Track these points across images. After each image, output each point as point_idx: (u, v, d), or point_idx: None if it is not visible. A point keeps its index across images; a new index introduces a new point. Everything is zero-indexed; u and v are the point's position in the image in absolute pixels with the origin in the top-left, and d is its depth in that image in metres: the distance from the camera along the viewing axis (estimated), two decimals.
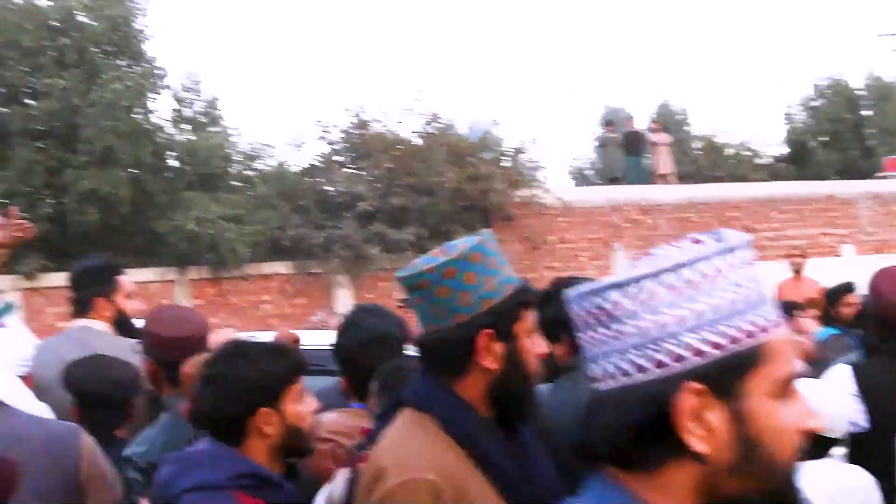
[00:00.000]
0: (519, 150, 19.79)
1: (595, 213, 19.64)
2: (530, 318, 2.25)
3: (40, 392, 3.81)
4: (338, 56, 58.74)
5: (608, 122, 23.63)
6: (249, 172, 19.37)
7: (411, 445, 2.13)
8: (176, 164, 18.25)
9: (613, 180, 22.45)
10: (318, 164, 18.99)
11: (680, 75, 57.29)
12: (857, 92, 29.90)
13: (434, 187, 17.65)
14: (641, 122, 24.57)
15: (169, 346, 3.54)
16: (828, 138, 28.72)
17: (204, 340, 3.64)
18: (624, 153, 22.82)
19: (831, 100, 29.29)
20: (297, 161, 19.30)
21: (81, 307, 4.36)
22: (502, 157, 19.74)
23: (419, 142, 19.03)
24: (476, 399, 2.19)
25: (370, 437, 2.32)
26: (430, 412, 2.18)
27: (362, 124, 19.17)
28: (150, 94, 18.27)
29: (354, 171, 18.72)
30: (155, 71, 18.85)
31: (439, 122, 19.49)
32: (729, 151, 27.20)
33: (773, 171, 27.08)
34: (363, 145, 18.83)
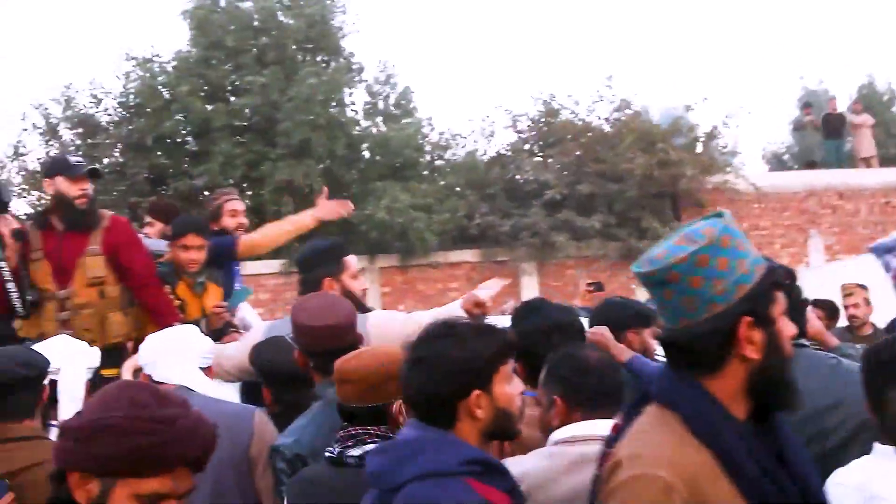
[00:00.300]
0: (711, 136, 19.43)
1: (790, 199, 19.12)
2: (782, 298, 2.13)
3: None
4: (527, 44, 58.71)
5: (806, 105, 22.88)
6: (440, 162, 19.75)
7: (651, 441, 2.05)
8: (368, 155, 18.77)
9: (811, 165, 21.73)
10: (507, 153, 19.21)
11: (886, 51, 54.50)
12: None
13: (623, 174, 17.56)
14: (842, 104, 23.69)
15: (316, 334, 3.56)
16: None
17: (352, 328, 3.65)
18: (823, 136, 22.05)
19: None
20: (487, 150, 19.58)
21: (309, 287, 4.41)
22: (694, 143, 19.44)
23: (608, 129, 18.97)
24: (730, 394, 2.08)
25: (618, 432, 2.21)
26: (676, 409, 2.08)
27: (551, 112, 19.27)
28: (345, 89, 18.90)
29: (542, 159, 18.84)
30: (351, 66, 19.49)
31: (629, 109, 19.36)
32: None
33: None
34: (552, 133, 18.94)
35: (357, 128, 18.80)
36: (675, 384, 2.12)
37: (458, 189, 18.24)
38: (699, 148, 19.43)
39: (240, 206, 6.42)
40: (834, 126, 21.81)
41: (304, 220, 6.29)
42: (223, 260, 6.08)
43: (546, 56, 54.52)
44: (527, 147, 19.34)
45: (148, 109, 17.86)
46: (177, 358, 3.77)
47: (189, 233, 5.61)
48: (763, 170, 27.54)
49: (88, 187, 5.33)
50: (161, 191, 17.45)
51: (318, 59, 19.26)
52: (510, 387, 2.61)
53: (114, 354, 5.04)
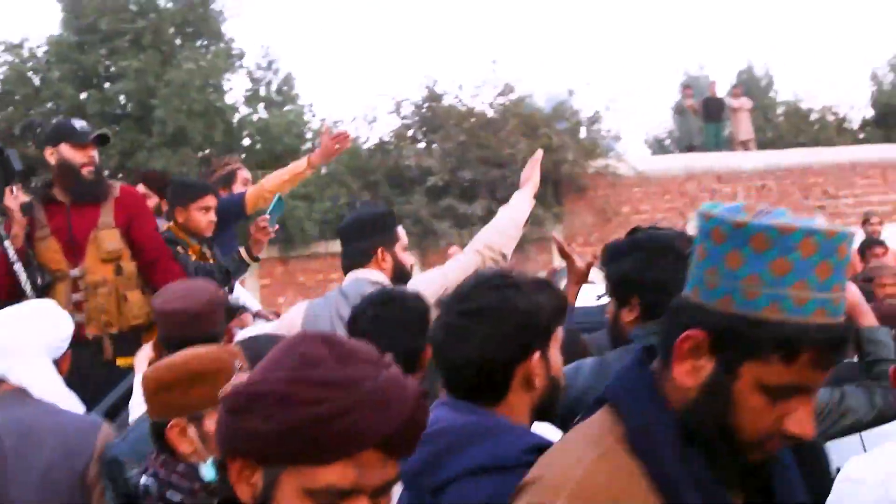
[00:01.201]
0: (593, 120, 19.61)
1: (671, 183, 19.39)
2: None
3: None
4: (411, 29, 58.67)
5: (686, 87, 23.25)
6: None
7: (566, 458, 1.61)
8: (248, 142, 18.46)
9: (690, 148, 22.11)
10: (390, 140, 19.08)
11: (764, 38, 55.93)
12: None
13: (506, 160, 17.58)
14: (723, 89, 24.13)
15: (169, 320, 3.35)
16: None
17: (210, 317, 3.39)
18: (702, 120, 22.45)
19: None
20: (369, 137, 19.41)
21: (359, 259, 4.00)
22: (577, 128, 19.59)
23: (492, 114, 18.97)
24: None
25: None
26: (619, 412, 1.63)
27: (434, 98, 19.18)
28: (225, 74, 18.53)
29: (426, 145, 18.76)
30: (231, 51, 19.12)
31: (513, 94, 19.40)
32: (813, 116, 26.61)
33: (859, 135, 26.43)
34: (435, 119, 18.84)
35: (237, 115, 18.44)
36: (628, 382, 1.67)
37: (340, 177, 18.03)
38: (583, 133, 19.61)
39: (249, 174, 6.37)
40: (713, 110, 22.23)
41: (300, 165, 6.06)
42: (233, 219, 5.83)
43: (430, 41, 54.58)
44: (410, 133, 19.22)
45: (17, 97, 17.25)
46: (18, 346, 3.22)
47: (209, 193, 5.30)
48: (645, 154, 27.94)
49: (95, 154, 4.91)
50: (29, 182, 16.88)
51: (198, 43, 18.83)
52: (557, 353, 2.21)
53: (131, 339, 4.66)
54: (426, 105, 19.13)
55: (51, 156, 4.88)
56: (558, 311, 2.18)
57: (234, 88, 18.99)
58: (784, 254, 1.47)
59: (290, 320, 4.01)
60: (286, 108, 18.97)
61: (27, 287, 4.59)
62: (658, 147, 30.04)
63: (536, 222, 15.78)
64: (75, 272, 4.73)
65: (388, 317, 3.01)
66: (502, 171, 17.52)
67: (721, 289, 1.51)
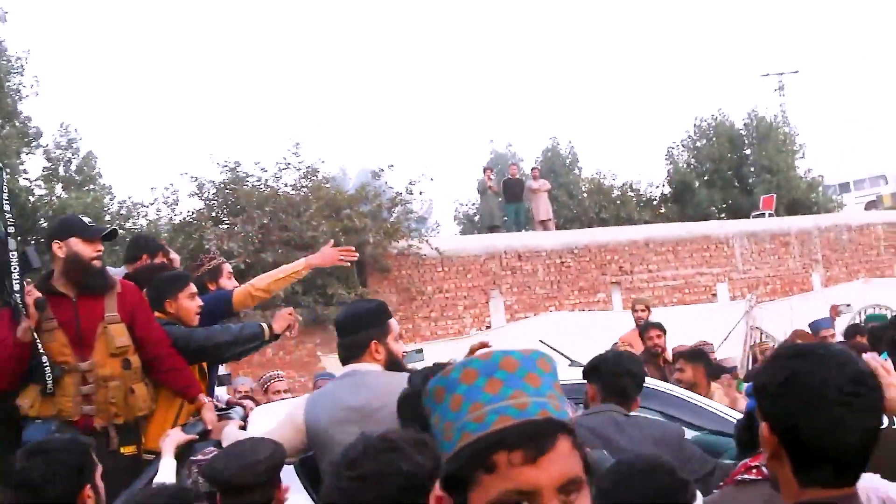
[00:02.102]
0: (395, 202, 19.95)
1: (473, 262, 19.85)
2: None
3: (315, 436, 4.00)
4: (214, 111, 58.64)
5: (487, 169, 23.92)
6: (121, 231, 19.21)
7: None
8: (45, 224, 18.02)
9: (493, 228, 22.71)
10: (192, 220, 18.94)
11: (568, 117, 58.22)
12: (738, 131, 30.64)
13: (308, 242, 17.68)
14: (528, 166, 24.90)
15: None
16: (709, 177, 29.42)
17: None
18: (504, 200, 23.11)
19: (713, 139, 30.01)
20: (172, 218, 19.23)
21: (355, 350, 4.18)
22: (381, 208, 19.88)
23: (295, 196, 19.09)
24: None
25: None
26: None
27: (237, 179, 19.20)
28: (22, 154, 18.12)
29: (229, 226, 18.70)
30: (28, 130, 18.72)
31: (316, 176, 19.60)
32: (615, 193, 27.74)
33: (658, 210, 27.70)
34: (238, 201, 18.84)
35: (31, 196, 18.01)
36: None
37: None
38: (388, 214, 19.92)
39: (231, 268, 6.34)
40: (513, 190, 22.93)
41: (297, 266, 6.04)
42: (219, 316, 5.71)
43: (233, 123, 54.52)
44: (212, 214, 19.14)
45: None
46: None
47: (191, 280, 5.40)
48: (455, 231, 28.54)
49: (102, 249, 4.98)
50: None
51: None
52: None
53: (133, 429, 4.86)
54: (228, 187, 19.12)
55: (59, 249, 4.92)
56: (438, 466, 2.19)
57: (27, 171, 18.46)
58: (453, 390, 1.60)
59: (295, 413, 4.18)
60: (86, 188, 18.64)
61: (49, 379, 4.69)
62: (468, 223, 30.70)
63: (341, 303, 15.93)
64: (84, 365, 4.80)
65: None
66: (305, 253, 17.55)
67: (442, 444, 1.63)
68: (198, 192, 19.06)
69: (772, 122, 31.24)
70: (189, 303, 5.32)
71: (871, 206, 36.97)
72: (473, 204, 30.40)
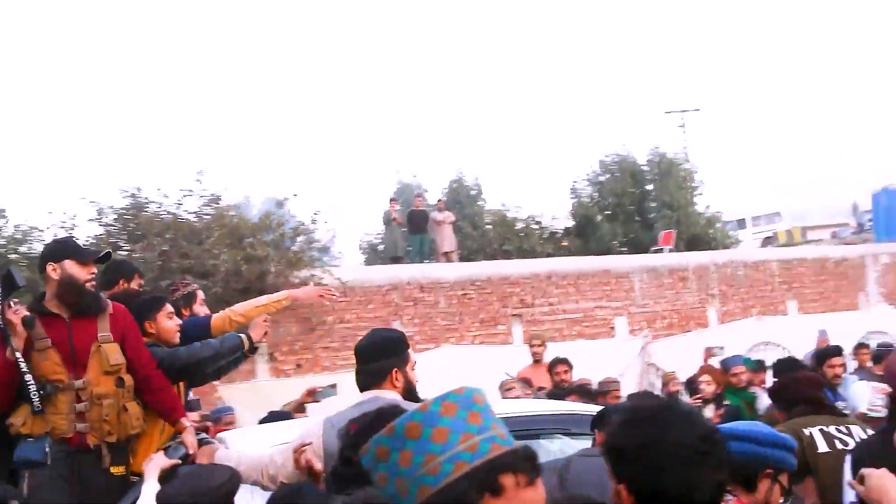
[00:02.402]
0: (299, 231, 19.90)
1: (375, 293, 19.87)
2: None
3: (329, 460, 3.93)
4: (115, 135, 57.95)
5: (392, 200, 24.02)
6: (14, 256, 18.80)
7: None
8: None
9: (396, 259, 22.78)
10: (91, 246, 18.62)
11: (475, 148, 58.88)
12: (641, 167, 31.21)
13: (209, 270, 17.54)
14: (434, 196, 25.05)
15: None
16: (611, 211, 29.90)
17: None
18: (408, 231, 23.22)
19: (616, 174, 30.52)
20: None
21: (376, 377, 4.30)
22: (284, 237, 19.80)
23: (197, 223, 18.92)
24: None
25: None
26: None
27: (138, 205, 18.97)
28: None
29: (128, 253, 18.44)
30: None
31: (219, 204, 19.45)
32: (519, 225, 28.01)
33: (561, 244, 28.04)
34: (138, 227, 18.60)
35: None
36: None
37: (35, 286, 17.37)
38: (295, 243, 19.85)
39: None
40: (418, 222, 23.06)
41: (279, 296, 6.37)
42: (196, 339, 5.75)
43: (135, 148, 53.89)
44: (112, 241, 18.85)
45: None
46: None
47: (167, 302, 5.56)
48: (360, 260, 28.52)
49: (95, 271, 5.08)
50: None
51: None
52: None
53: (124, 448, 4.99)
54: (129, 212, 18.87)
55: (53, 271, 5.03)
56: None
57: None
58: (436, 423, 1.68)
59: (307, 434, 4.24)
60: None
61: (35, 397, 4.78)
62: (372, 253, 30.73)
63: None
64: (78, 383, 4.91)
65: None
66: (205, 281, 17.45)
67: (409, 489, 1.68)
68: (97, 217, 18.76)
69: (673, 158, 31.93)
70: (168, 322, 5.51)
71: (766, 242, 38.03)
72: (378, 234, 30.46)
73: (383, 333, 4.69)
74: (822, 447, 5.20)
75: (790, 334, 16.82)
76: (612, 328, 22.00)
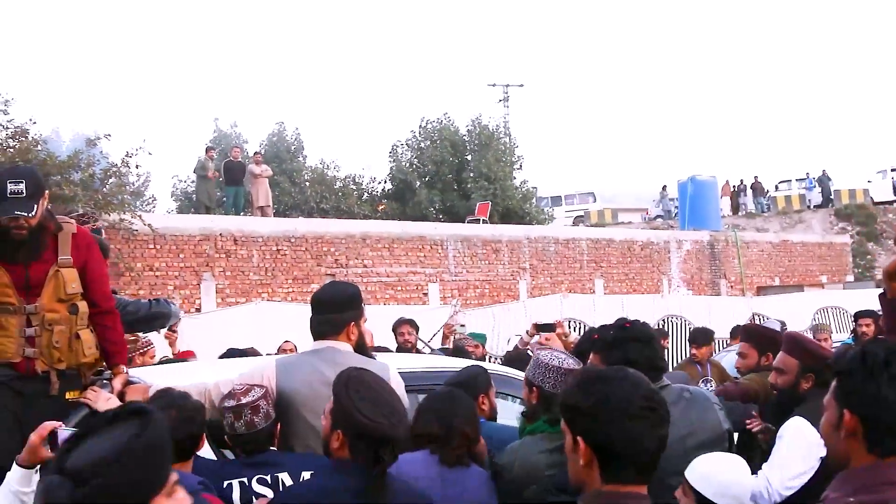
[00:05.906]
0: (110, 173, 19.16)
1: (186, 242, 19.36)
2: None
3: (286, 403, 4.18)
4: None
5: (209, 149, 23.42)
6: None
7: None
8: None
9: (209, 209, 22.26)
10: None
11: (297, 102, 58.21)
12: (461, 136, 31.48)
13: None
14: (252, 148, 24.57)
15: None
16: (430, 178, 30.09)
17: None
18: (224, 182, 22.72)
19: (437, 142, 30.70)
20: None
21: (334, 327, 4.41)
22: (94, 179, 19.03)
23: (0, 157, 17.95)
24: None
25: None
26: None
27: None
28: None
29: None
30: None
31: (26, 137, 18.51)
32: (338, 185, 27.88)
33: (379, 206, 28.06)
34: None
35: None
36: None
37: None
38: (105, 185, 19.09)
39: None
40: (234, 173, 22.58)
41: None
42: None
43: None
44: None
45: None
46: None
47: None
48: (172, 208, 27.77)
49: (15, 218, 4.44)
50: None
51: None
52: None
53: (76, 375, 4.74)
54: None
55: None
56: None
57: None
58: None
59: (257, 373, 4.35)
60: None
61: None
62: (186, 201, 29.97)
63: None
64: (29, 308, 4.62)
65: None
66: None
67: None
68: None
69: (494, 131, 32.33)
70: None
71: (578, 220, 39.09)
72: (192, 181, 29.73)
73: (344, 287, 4.79)
74: None
75: (594, 312, 17.30)
76: (426, 294, 22.16)
